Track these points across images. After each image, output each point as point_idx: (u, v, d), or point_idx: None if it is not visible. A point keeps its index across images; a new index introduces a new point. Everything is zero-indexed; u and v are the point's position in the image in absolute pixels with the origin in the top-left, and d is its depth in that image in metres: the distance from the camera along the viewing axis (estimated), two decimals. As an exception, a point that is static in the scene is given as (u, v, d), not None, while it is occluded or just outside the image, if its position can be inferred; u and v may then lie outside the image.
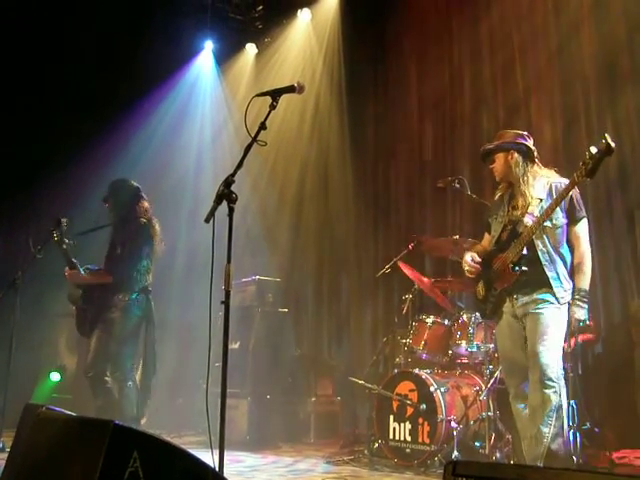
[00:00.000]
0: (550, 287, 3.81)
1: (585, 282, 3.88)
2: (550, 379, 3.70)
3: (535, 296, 3.85)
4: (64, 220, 5.40)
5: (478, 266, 4.11)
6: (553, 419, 3.67)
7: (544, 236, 3.85)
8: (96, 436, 2.12)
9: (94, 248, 5.37)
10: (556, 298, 3.81)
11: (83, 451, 2.19)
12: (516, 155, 4.02)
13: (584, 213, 3.94)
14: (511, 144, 4.04)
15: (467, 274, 4.20)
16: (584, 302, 3.84)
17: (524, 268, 3.82)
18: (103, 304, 5.00)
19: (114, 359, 4.96)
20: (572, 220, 3.91)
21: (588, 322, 4.07)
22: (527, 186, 3.96)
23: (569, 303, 3.91)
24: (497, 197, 4.24)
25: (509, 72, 6.69)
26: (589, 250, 3.93)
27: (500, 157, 4.06)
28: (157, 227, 5.25)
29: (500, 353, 4.25)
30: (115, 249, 5.13)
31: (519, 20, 6.68)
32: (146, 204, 5.28)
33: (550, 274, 3.82)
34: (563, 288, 3.84)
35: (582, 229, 3.93)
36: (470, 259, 4.15)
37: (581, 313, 3.84)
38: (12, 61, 7.92)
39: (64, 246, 4.99)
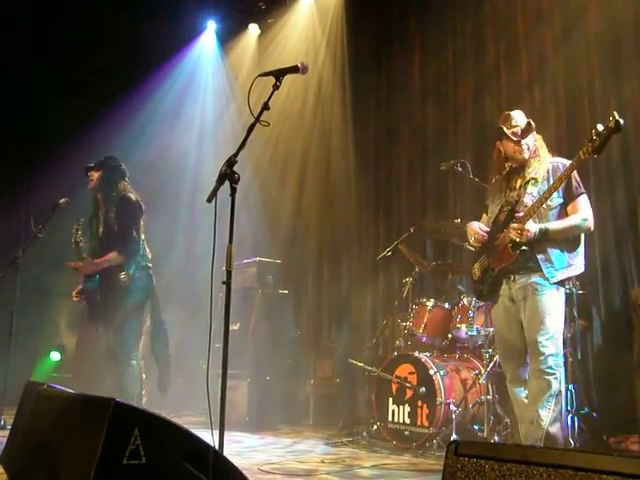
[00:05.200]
0: (540, 269, 3.77)
1: (555, 224, 3.76)
2: (550, 367, 3.68)
3: (531, 280, 3.79)
4: (64, 200, 5.39)
5: (485, 234, 4.03)
6: (552, 404, 3.66)
7: (536, 218, 3.78)
8: (97, 414, 2.13)
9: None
10: (547, 279, 3.74)
11: (84, 429, 2.20)
12: (537, 136, 4.01)
13: (582, 190, 3.83)
14: None
15: (473, 242, 4.11)
16: (532, 228, 3.70)
17: (524, 247, 3.76)
18: (109, 284, 4.90)
19: (120, 338, 4.86)
20: (569, 198, 3.82)
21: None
22: (540, 165, 3.89)
23: (565, 287, 3.89)
24: (494, 180, 4.21)
25: (513, 55, 6.63)
26: (587, 216, 3.78)
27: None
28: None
29: (497, 337, 4.22)
30: (112, 228, 4.99)
31: (524, 3, 6.62)
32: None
33: (539, 256, 3.78)
34: (554, 267, 3.76)
35: (580, 202, 3.81)
36: (477, 226, 4.08)
37: (514, 231, 3.73)
38: (14, 39, 7.88)
39: (79, 241, 4.92)
